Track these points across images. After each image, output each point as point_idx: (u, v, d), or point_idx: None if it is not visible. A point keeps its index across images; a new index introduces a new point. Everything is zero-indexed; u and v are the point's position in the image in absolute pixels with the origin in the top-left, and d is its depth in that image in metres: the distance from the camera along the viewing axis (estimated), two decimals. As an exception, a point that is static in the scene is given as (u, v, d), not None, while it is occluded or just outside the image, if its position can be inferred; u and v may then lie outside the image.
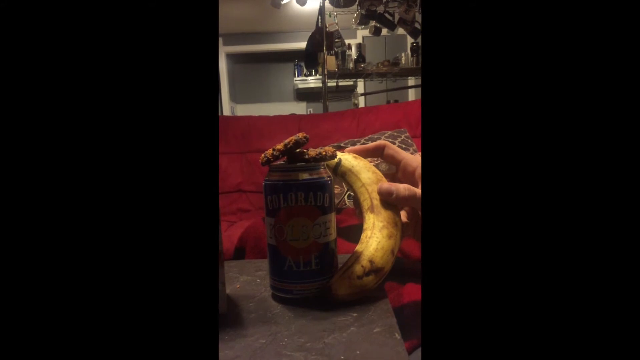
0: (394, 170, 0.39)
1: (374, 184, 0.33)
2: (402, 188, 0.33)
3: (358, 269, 0.31)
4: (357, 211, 0.35)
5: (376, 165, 0.39)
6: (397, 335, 0.29)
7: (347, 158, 0.35)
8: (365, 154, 0.37)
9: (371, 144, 0.39)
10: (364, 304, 0.34)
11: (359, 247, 0.32)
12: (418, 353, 0.55)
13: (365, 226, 0.33)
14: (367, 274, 0.31)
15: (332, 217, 0.37)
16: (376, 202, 0.32)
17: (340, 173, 0.34)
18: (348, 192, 1.25)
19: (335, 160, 0.34)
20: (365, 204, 0.33)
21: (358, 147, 0.39)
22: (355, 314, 0.33)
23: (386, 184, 0.34)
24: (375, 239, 0.31)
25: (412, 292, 0.73)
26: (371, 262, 0.31)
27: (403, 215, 0.36)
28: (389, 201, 0.33)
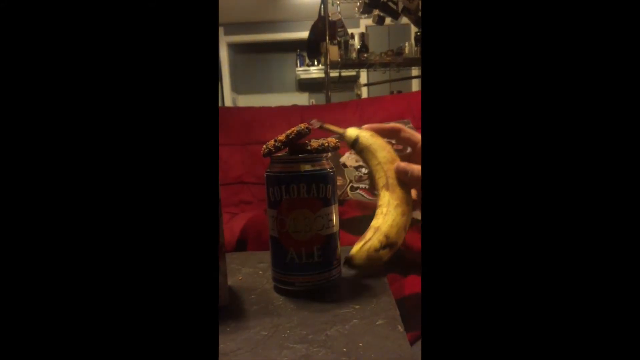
0: (411, 151, 0.40)
1: (389, 163, 0.35)
2: (417, 169, 0.34)
3: (375, 243, 0.34)
4: (370, 186, 0.39)
5: (397, 147, 0.40)
6: (400, 328, 0.28)
7: (364, 135, 0.36)
8: (381, 132, 0.39)
9: (387, 125, 0.39)
10: (366, 296, 0.34)
11: (374, 223, 0.35)
12: (419, 345, 0.55)
13: (380, 202, 0.36)
14: (383, 247, 0.34)
15: (335, 209, 0.37)
16: (391, 180, 0.35)
17: (358, 149, 0.36)
18: (350, 184, 1.24)
19: (353, 136, 0.35)
20: (381, 182, 0.35)
21: (376, 125, 0.39)
22: (357, 306, 0.32)
23: (402, 164, 0.35)
24: (391, 216, 0.34)
25: (415, 283, 0.73)
26: (387, 237, 0.34)
27: (413, 193, 0.38)
28: (404, 180, 0.35)
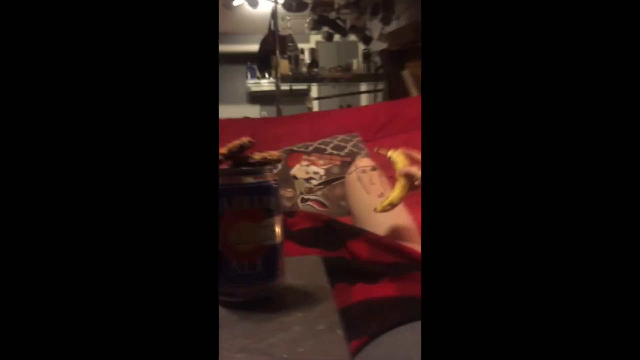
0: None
1: (404, 168, 0.68)
2: (413, 170, 0.67)
3: (386, 204, 0.67)
4: (397, 176, 0.68)
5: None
6: (339, 332, 0.30)
7: (398, 154, 0.70)
8: (411, 158, 0.70)
9: (418, 158, 0.69)
10: (309, 303, 0.35)
11: (390, 194, 0.67)
12: (367, 350, 0.56)
13: (396, 185, 0.68)
14: (389, 205, 0.67)
15: (278, 220, 0.37)
16: (400, 177, 0.68)
17: (391, 161, 0.69)
18: (301, 196, 1.26)
19: (389, 155, 0.70)
20: (398, 176, 0.69)
21: (410, 152, 0.70)
22: (300, 314, 0.33)
23: (405, 169, 0.68)
24: (395, 192, 0.67)
25: (361, 291, 0.75)
26: (391, 202, 0.67)
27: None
28: (407, 177, 0.68)
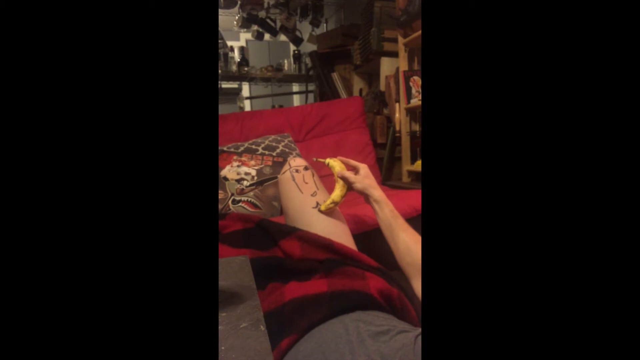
0: (357, 170, 0.79)
1: (341, 172, 0.78)
2: (347, 174, 0.76)
3: (329, 202, 0.74)
4: (336, 178, 0.78)
5: None
6: (262, 327, 0.30)
7: (333, 160, 0.80)
8: (343, 161, 0.80)
9: (351, 161, 0.78)
10: (234, 303, 0.35)
11: (332, 194, 0.75)
12: (297, 347, 0.57)
13: (336, 187, 0.77)
14: (332, 203, 0.75)
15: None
16: (338, 179, 0.78)
17: (330, 166, 0.79)
18: (232, 197, 1.23)
19: (327, 161, 0.79)
20: (336, 178, 0.78)
21: (342, 157, 0.80)
22: (224, 314, 0.33)
23: (343, 173, 0.77)
24: (336, 192, 0.75)
25: (294, 289, 0.76)
26: (333, 200, 0.75)
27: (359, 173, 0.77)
28: (343, 179, 0.77)
